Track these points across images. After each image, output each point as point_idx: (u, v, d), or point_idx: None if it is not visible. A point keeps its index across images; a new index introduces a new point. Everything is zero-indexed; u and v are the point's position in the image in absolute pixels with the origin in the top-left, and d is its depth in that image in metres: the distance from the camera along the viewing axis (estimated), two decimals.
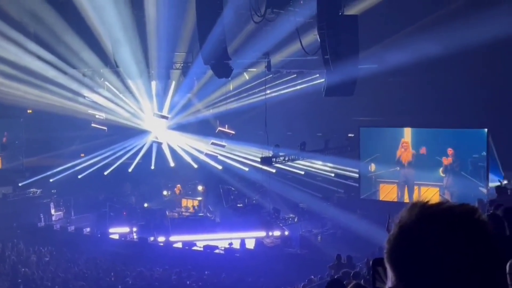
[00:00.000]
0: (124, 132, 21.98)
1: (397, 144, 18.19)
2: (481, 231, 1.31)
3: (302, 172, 20.46)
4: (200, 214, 19.25)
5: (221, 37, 13.63)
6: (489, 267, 1.27)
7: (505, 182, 14.76)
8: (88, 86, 19.80)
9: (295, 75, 19.08)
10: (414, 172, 17.94)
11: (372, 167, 18.62)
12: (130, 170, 22.63)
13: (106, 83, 19.91)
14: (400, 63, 15.65)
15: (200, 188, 20.55)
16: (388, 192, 18.32)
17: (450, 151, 17.35)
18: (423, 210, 1.32)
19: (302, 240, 16.95)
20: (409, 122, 18.08)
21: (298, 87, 19.42)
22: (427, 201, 1.35)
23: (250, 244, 16.79)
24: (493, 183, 15.93)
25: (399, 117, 18.21)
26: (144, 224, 18.84)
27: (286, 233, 17.78)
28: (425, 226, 1.29)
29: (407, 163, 17.98)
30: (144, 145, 22.60)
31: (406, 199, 17.84)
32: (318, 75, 17.90)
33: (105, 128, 21.55)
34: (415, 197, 17.66)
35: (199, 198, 20.19)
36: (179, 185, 20.68)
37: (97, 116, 21.28)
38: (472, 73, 16.61)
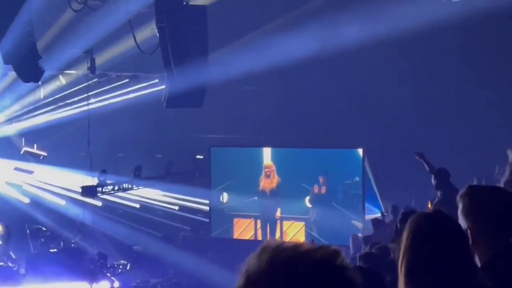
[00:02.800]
0: None
1: (257, 168, 18.59)
2: (344, 282, 1.34)
3: (137, 205, 20.36)
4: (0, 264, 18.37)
5: (28, 28, 13.25)
6: None
7: (385, 214, 15.42)
8: None
9: (127, 80, 19.10)
10: (276, 203, 18.43)
11: (225, 197, 18.89)
12: None
13: None
14: (259, 67, 16.06)
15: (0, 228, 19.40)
16: (244, 228, 18.75)
17: (321, 178, 18.01)
18: (274, 256, 1.36)
19: None
20: (270, 141, 18.64)
21: (132, 95, 19.39)
22: (281, 244, 1.40)
23: None
24: (371, 214, 16.72)
25: (259, 134, 18.77)
26: None
27: (116, 285, 17.39)
28: (275, 277, 1.32)
29: (270, 192, 18.44)
30: None
31: (263, 236, 18.30)
32: (157, 80, 18.06)
33: None
34: (277, 235, 18.14)
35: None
36: None
37: None
38: (350, 78, 17.52)
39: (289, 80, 18.33)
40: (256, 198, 18.49)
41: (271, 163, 18.51)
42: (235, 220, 18.84)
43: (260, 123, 18.78)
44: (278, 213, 18.46)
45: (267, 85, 18.48)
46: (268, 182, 18.49)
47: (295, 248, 1.40)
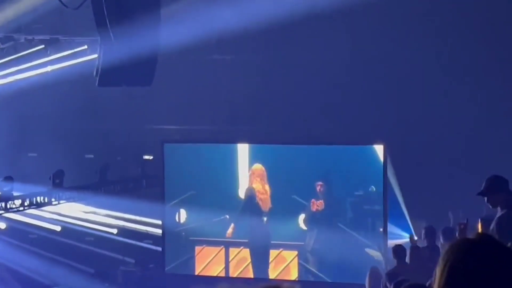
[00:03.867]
0: None
1: (230, 174, 18.50)
2: None
3: (58, 228, 20.07)
4: None
5: None
6: None
7: (416, 238, 15.35)
8: None
9: (43, 46, 18.41)
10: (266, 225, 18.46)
11: (182, 214, 18.77)
12: None
13: None
14: (234, 28, 16.29)
15: None
16: (211, 260, 18.73)
17: (319, 185, 17.82)
18: None
19: None
20: (248, 135, 18.61)
21: (49, 68, 18.86)
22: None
23: None
24: (394, 239, 16.57)
25: (232, 125, 18.81)
26: None
27: None
28: None
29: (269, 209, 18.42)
30: None
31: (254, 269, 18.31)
32: (86, 46, 17.77)
33: None
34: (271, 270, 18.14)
35: None
36: None
37: None
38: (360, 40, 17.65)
39: (275, 46, 18.32)
40: (227, 216, 18.37)
41: (259, 167, 18.27)
42: (198, 248, 18.75)
43: (235, 109, 18.77)
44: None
45: (244, 54, 18.46)
46: (263, 193, 18.32)
47: None
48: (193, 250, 18.74)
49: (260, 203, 18.21)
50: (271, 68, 18.47)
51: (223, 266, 18.57)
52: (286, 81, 18.44)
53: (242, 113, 18.74)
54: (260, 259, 18.33)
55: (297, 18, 16.12)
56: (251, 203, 18.18)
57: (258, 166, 18.26)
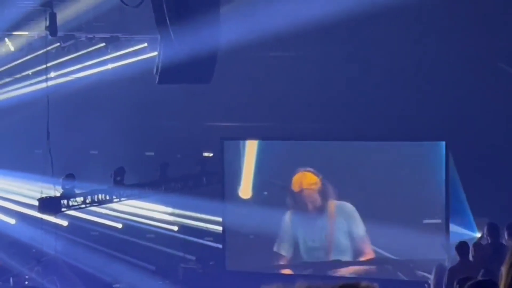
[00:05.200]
0: None
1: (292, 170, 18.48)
2: None
3: (119, 225, 20.33)
4: None
5: None
6: None
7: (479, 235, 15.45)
8: None
9: (103, 45, 18.72)
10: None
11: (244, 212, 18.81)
12: None
13: None
14: (292, 26, 16.08)
15: None
16: None
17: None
18: None
19: None
20: (305, 132, 18.68)
21: (110, 66, 19.22)
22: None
23: None
24: (457, 236, 16.41)
25: (291, 122, 18.73)
26: None
27: None
28: None
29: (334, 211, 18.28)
30: None
31: None
32: (146, 44, 18.06)
33: None
34: None
35: None
36: None
37: None
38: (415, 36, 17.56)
39: (334, 43, 18.20)
40: (289, 212, 18.53)
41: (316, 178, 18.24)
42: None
43: (293, 105, 18.64)
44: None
45: (302, 50, 18.44)
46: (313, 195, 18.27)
47: None
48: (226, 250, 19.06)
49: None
50: (329, 64, 18.32)
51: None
52: (345, 77, 18.36)
53: (300, 110, 18.58)
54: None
55: (356, 14, 15.90)
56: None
57: (313, 180, 18.28)
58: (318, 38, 17.72)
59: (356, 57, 18.24)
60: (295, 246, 18.47)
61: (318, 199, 18.17)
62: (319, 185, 18.21)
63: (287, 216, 18.42)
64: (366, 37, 17.94)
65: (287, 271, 18.37)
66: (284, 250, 18.47)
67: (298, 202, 18.33)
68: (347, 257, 18.03)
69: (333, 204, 18.05)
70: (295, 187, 18.27)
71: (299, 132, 18.66)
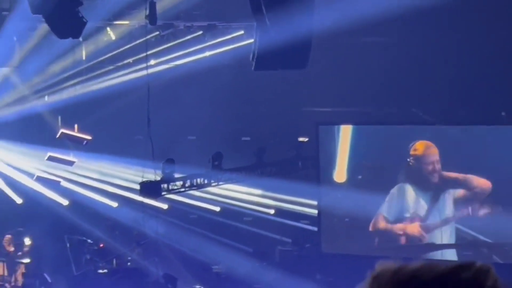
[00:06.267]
0: None
1: (391, 155, 18.61)
2: None
3: (217, 209, 20.58)
4: None
5: None
6: None
7: None
8: None
9: (201, 33, 19.05)
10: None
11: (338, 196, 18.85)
12: None
13: None
14: (388, 10, 16.01)
15: (27, 241, 20.15)
16: None
17: None
18: (402, 278, 1.65)
19: None
20: (398, 116, 18.79)
21: (207, 53, 19.48)
22: (405, 266, 1.68)
23: None
24: None
25: (390, 107, 18.74)
26: None
27: None
28: None
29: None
30: None
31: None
32: (243, 32, 18.20)
33: None
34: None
35: (26, 260, 19.76)
36: (9, 236, 20.30)
37: None
38: None
39: (426, 28, 17.94)
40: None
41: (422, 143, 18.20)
42: None
43: (386, 90, 18.57)
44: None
45: (395, 36, 18.27)
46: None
47: (430, 268, 1.61)
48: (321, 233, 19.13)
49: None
50: (422, 50, 18.26)
51: None
52: (438, 62, 18.20)
53: (393, 95, 18.56)
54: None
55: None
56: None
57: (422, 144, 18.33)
58: (408, 23, 17.50)
59: (450, 41, 17.97)
60: (394, 220, 18.53)
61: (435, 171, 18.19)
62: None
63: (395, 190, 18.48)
64: (456, 22, 17.66)
65: (382, 253, 18.20)
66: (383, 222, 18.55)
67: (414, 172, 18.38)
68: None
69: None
70: (417, 151, 18.24)
71: (393, 117, 18.74)
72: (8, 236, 20.12)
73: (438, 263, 1.73)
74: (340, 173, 18.90)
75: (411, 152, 18.24)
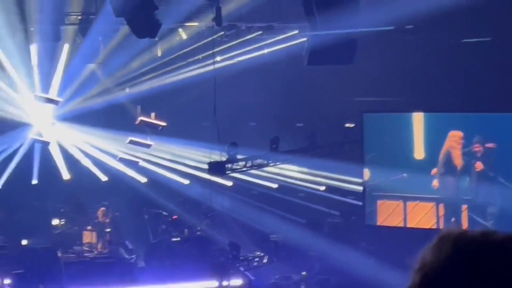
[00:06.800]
0: None
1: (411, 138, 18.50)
2: None
3: (275, 186, 20.89)
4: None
5: None
6: None
7: None
8: None
9: (260, 32, 19.30)
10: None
11: (366, 173, 19.11)
12: None
13: None
14: (426, 8, 15.69)
15: (112, 213, 20.59)
16: (390, 213, 18.87)
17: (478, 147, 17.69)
18: (461, 243, 1.39)
19: None
20: (439, 105, 18.60)
21: (266, 50, 19.68)
22: (465, 232, 1.44)
23: None
24: None
25: (426, 97, 18.61)
26: (23, 273, 18.67)
27: (250, 281, 18.03)
28: (466, 269, 1.35)
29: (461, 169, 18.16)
30: (19, 147, 22.44)
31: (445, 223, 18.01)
32: (297, 31, 18.23)
33: None
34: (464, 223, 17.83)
35: (110, 230, 20.27)
36: (103, 208, 20.80)
37: None
38: None
39: (468, 25, 17.85)
40: (404, 174, 18.47)
41: (457, 133, 18.11)
42: (379, 202, 18.96)
43: (425, 82, 18.54)
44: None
45: (435, 33, 18.12)
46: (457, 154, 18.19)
47: (486, 234, 1.43)
48: (375, 204, 19.02)
49: (455, 163, 18.16)
50: (456, 45, 18.10)
51: (402, 217, 18.65)
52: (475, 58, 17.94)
53: (422, 86, 18.45)
54: (452, 212, 18.21)
55: None
56: (448, 164, 18.13)
57: (456, 133, 18.17)
58: (440, 22, 17.20)
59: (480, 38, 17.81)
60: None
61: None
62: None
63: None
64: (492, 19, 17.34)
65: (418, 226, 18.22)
66: None
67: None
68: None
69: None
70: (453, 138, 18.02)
71: (429, 105, 18.59)
72: (102, 209, 20.60)
73: (497, 231, 1.55)
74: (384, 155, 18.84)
75: (448, 140, 18.03)
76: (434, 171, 18.18)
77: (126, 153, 21.60)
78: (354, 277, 16.35)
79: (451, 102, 18.37)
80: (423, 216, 18.37)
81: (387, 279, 13.90)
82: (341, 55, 14.05)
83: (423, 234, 16.70)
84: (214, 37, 18.05)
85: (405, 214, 18.59)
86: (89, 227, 20.68)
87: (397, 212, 18.65)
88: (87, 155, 22.29)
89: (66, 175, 22.31)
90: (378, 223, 18.92)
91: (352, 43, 13.98)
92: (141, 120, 19.91)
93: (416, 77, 18.58)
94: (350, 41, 13.88)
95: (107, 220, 20.37)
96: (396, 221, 18.69)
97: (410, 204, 18.52)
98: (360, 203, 19.45)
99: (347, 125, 19.94)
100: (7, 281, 18.60)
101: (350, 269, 16.68)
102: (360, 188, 19.45)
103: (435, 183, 18.30)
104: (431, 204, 18.33)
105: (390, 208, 18.78)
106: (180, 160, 21.41)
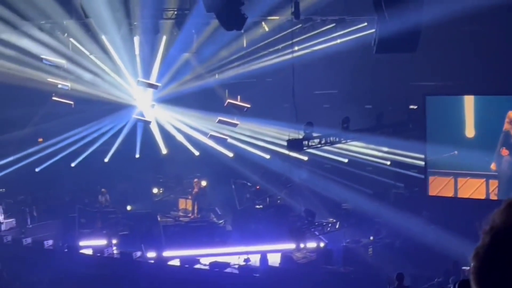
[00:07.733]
0: (97, 108, 22.28)
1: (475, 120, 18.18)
2: None
3: (346, 160, 20.92)
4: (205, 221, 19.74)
5: None
6: None
7: None
8: (47, 44, 20.07)
9: (334, 25, 19.27)
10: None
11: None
12: (106, 159, 23.18)
13: (71, 39, 20.22)
14: (485, 2, 15.52)
15: (203, 183, 20.89)
16: (443, 187, 18.61)
17: None
18: None
19: (347, 254, 17.27)
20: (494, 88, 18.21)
21: (338, 41, 19.60)
22: None
23: (274, 260, 17.08)
24: None
25: (481, 81, 18.34)
26: (127, 235, 19.24)
27: (324, 244, 18.20)
28: None
29: None
30: (124, 125, 22.99)
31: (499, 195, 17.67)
32: (366, 23, 18.19)
33: (71, 102, 21.78)
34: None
35: (202, 197, 20.64)
36: (196, 179, 21.06)
37: (59, 86, 21.49)
38: None
39: None
40: (455, 152, 18.14)
41: None
42: (431, 178, 18.72)
43: (482, 68, 18.25)
44: None
45: (491, 25, 17.86)
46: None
47: None
48: (427, 180, 18.76)
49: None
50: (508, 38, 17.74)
51: (453, 193, 18.36)
52: None
53: (475, 71, 18.16)
54: (508, 188, 17.84)
55: None
56: (506, 142, 17.78)
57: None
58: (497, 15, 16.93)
59: None
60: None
61: None
62: None
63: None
64: None
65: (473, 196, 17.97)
66: None
67: None
68: None
69: None
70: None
71: (488, 89, 18.25)
72: (195, 180, 20.88)
73: None
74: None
75: (507, 120, 17.62)
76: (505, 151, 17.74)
77: (216, 131, 21.88)
78: (417, 242, 16.35)
79: (499, 86, 17.96)
80: (474, 191, 18.06)
81: (446, 244, 13.85)
82: (405, 44, 13.62)
83: (477, 205, 16.64)
84: (293, 29, 18.13)
85: (455, 190, 18.34)
86: (184, 196, 21.03)
87: (448, 188, 18.43)
88: (182, 132, 22.68)
89: (164, 150, 22.74)
90: (430, 194, 18.75)
91: (415, 34, 13.50)
92: (229, 102, 20.08)
93: (470, 63, 18.29)
94: (414, 31, 13.39)
95: (200, 189, 20.59)
96: (447, 194, 18.49)
97: (460, 180, 18.24)
98: (422, 176, 19.27)
99: (411, 106, 19.78)
100: (114, 241, 19.14)
101: (412, 234, 16.70)
102: (422, 163, 19.24)
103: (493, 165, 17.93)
104: (481, 180, 17.98)
105: (441, 183, 18.56)
106: (262, 138, 21.61)
